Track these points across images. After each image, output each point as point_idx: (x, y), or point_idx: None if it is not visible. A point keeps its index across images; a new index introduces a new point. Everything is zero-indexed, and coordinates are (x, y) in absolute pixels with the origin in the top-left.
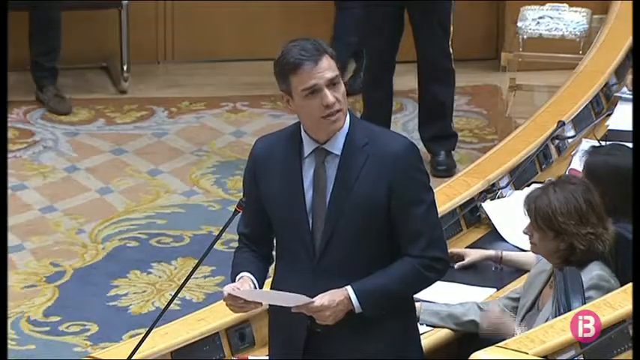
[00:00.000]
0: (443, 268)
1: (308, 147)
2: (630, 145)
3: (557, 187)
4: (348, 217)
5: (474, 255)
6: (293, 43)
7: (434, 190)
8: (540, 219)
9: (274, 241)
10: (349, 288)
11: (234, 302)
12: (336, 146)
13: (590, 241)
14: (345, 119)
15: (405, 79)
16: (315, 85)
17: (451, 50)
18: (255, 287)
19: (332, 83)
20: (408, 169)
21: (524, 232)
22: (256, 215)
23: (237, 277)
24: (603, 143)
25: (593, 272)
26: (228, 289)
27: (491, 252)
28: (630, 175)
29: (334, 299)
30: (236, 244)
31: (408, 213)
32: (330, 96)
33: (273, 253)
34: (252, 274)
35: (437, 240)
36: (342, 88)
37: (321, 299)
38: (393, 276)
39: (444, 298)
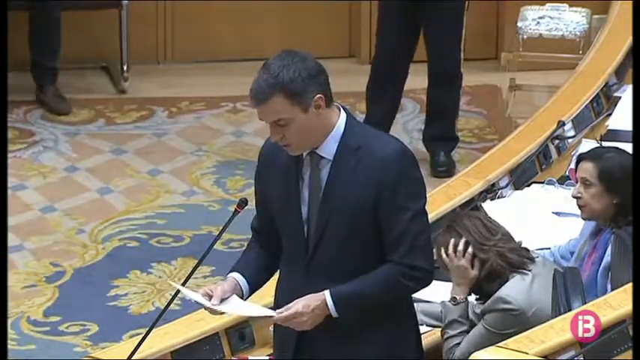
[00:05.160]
0: (422, 277)
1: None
2: (630, 145)
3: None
4: (338, 219)
5: None
6: (263, 68)
7: (426, 198)
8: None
9: None
10: (326, 292)
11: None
12: (329, 151)
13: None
14: (303, 147)
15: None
16: (261, 119)
17: (462, 56)
18: (241, 288)
19: (277, 124)
20: (397, 176)
21: None
22: (265, 212)
23: (227, 276)
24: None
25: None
26: (202, 300)
27: None
28: None
29: (309, 304)
30: (236, 244)
31: (391, 219)
32: (273, 135)
33: None
34: (243, 275)
35: (418, 248)
36: (293, 125)
37: (296, 305)
38: (372, 282)
39: (442, 298)
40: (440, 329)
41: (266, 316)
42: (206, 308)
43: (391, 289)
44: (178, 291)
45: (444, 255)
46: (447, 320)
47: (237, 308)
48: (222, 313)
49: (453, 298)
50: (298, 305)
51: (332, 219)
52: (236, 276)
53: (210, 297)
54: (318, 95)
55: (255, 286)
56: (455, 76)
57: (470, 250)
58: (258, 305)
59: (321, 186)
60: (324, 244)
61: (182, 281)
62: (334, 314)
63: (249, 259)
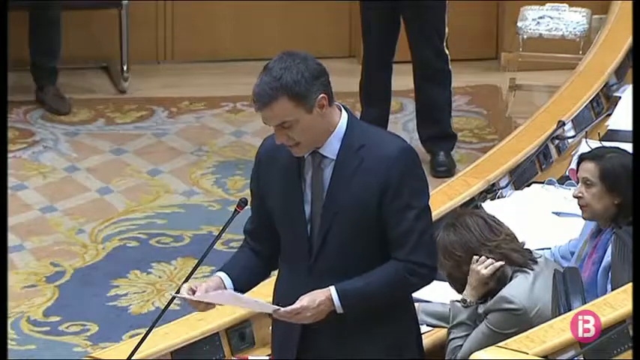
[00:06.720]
0: (427, 274)
1: None
2: (630, 145)
3: (453, 225)
4: (342, 218)
5: None
6: (264, 72)
7: (429, 195)
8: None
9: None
10: (332, 288)
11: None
12: (331, 150)
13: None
14: (308, 147)
15: (405, 79)
16: (265, 122)
17: (447, 51)
18: (225, 287)
19: (282, 127)
20: (400, 174)
21: None
22: (261, 214)
23: (213, 275)
24: (603, 144)
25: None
26: (185, 291)
27: None
28: None
29: (315, 299)
30: (236, 244)
31: (396, 217)
32: (278, 137)
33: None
34: (229, 275)
35: (423, 245)
36: (298, 127)
37: (301, 300)
38: (377, 279)
39: (441, 298)
40: (441, 328)
41: (268, 311)
42: (191, 303)
43: (397, 286)
44: (178, 291)
45: (474, 257)
46: (456, 321)
47: (237, 301)
48: (209, 306)
49: (464, 300)
50: (303, 301)
51: (336, 219)
52: (222, 275)
53: (193, 292)
54: (322, 95)
55: (239, 287)
56: (444, 72)
57: (497, 264)
58: (260, 299)
59: (324, 186)
60: (327, 244)
61: (182, 281)
62: (339, 310)
63: (238, 259)
